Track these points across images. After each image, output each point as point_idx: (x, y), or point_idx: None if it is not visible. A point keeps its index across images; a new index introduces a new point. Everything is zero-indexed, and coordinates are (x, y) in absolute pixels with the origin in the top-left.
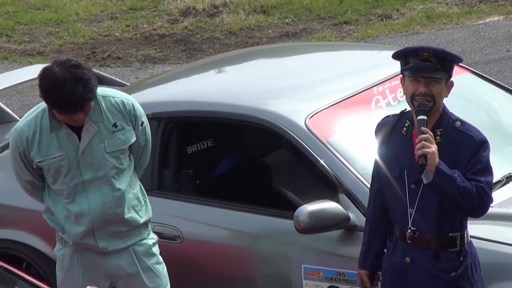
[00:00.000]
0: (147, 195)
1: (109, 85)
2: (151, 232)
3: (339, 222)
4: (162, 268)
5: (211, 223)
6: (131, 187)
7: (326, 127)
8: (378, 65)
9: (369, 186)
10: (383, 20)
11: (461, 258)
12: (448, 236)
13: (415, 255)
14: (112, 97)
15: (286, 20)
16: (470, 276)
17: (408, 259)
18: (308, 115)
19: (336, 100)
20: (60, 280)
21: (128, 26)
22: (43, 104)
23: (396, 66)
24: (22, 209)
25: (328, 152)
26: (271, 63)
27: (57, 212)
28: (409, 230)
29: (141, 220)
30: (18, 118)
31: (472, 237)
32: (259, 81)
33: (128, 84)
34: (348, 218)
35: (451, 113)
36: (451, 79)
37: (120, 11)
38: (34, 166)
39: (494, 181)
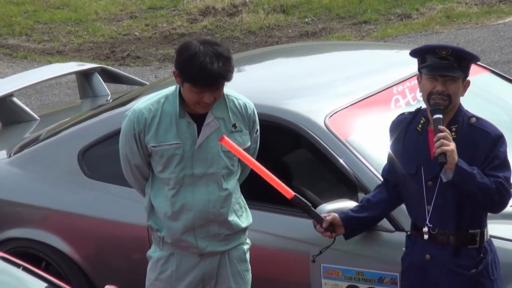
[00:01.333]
0: None
1: (128, 85)
2: (247, 237)
3: None
4: (249, 276)
5: None
6: (235, 192)
7: (345, 126)
8: (397, 64)
9: None
10: (402, 19)
11: (481, 255)
12: (468, 232)
13: (435, 252)
14: (236, 98)
15: (306, 20)
16: (491, 273)
17: (428, 256)
18: (328, 114)
19: (355, 99)
20: (151, 281)
21: (148, 25)
22: (166, 91)
23: (416, 65)
24: (41, 207)
25: (347, 152)
26: (291, 63)
27: (158, 206)
28: (425, 228)
29: (243, 225)
30: (37, 117)
31: (493, 236)
32: (279, 80)
33: (148, 83)
34: None
35: (466, 110)
36: (467, 78)
37: (140, 10)
38: (149, 150)
39: None
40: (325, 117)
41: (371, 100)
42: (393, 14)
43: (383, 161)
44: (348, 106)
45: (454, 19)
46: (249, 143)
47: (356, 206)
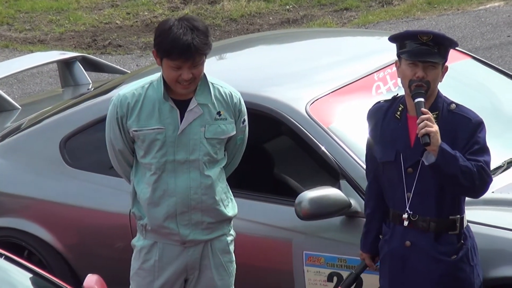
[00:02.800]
0: None
1: (110, 73)
2: (232, 228)
3: (341, 209)
4: (233, 267)
5: None
6: (220, 181)
7: (326, 113)
8: (378, 51)
9: None
10: (383, 6)
11: (462, 241)
12: (448, 218)
13: (415, 239)
14: (222, 86)
15: (287, 7)
16: (470, 259)
17: (408, 243)
18: (309, 101)
19: (336, 86)
20: (134, 270)
21: (129, 13)
22: (151, 77)
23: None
24: (23, 197)
25: (329, 139)
26: (272, 50)
27: (140, 192)
28: (405, 214)
29: (228, 214)
30: (19, 107)
31: (473, 222)
32: (260, 68)
33: (129, 72)
34: (350, 205)
35: (445, 96)
36: (446, 64)
37: None
38: (131, 135)
39: (495, 167)
40: (306, 104)
41: (352, 87)
42: (374, 1)
43: (365, 148)
44: (329, 93)
45: (435, 5)
46: (234, 132)
47: (365, 228)
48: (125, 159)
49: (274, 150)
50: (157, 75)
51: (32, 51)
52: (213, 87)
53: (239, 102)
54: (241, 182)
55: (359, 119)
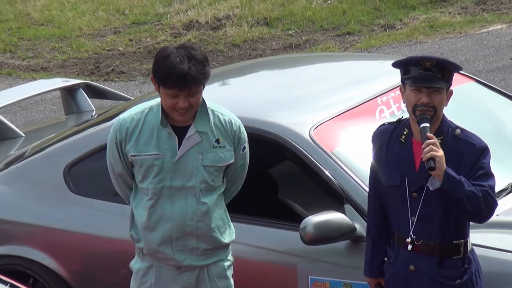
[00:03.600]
0: None
1: (113, 100)
2: (230, 254)
3: (345, 233)
4: None
5: None
6: (217, 208)
7: (330, 138)
8: (381, 75)
9: None
10: (386, 30)
11: (466, 265)
12: (452, 243)
13: (419, 263)
14: (222, 113)
15: (289, 32)
16: (475, 283)
17: (412, 267)
18: (313, 126)
19: (340, 111)
20: None
21: (132, 40)
22: (151, 102)
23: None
24: (27, 224)
25: (332, 163)
26: (275, 75)
27: (137, 216)
28: (409, 238)
29: (225, 241)
30: (23, 134)
31: (478, 245)
32: (263, 93)
33: (132, 98)
34: (354, 229)
35: (450, 121)
36: (450, 88)
37: (123, 25)
38: (129, 159)
39: (499, 190)
40: (310, 129)
41: (356, 111)
42: (376, 25)
43: (369, 172)
44: (333, 118)
45: (438, 29)
46: (232, 160)
47: (371, 253)
48: (125, 182)
49: (278, 175)
50: (157, 100)
51: (35, 79)
52: (213, 114)
53: (238, 130)
54: (245, 207)
55: (363, 143)
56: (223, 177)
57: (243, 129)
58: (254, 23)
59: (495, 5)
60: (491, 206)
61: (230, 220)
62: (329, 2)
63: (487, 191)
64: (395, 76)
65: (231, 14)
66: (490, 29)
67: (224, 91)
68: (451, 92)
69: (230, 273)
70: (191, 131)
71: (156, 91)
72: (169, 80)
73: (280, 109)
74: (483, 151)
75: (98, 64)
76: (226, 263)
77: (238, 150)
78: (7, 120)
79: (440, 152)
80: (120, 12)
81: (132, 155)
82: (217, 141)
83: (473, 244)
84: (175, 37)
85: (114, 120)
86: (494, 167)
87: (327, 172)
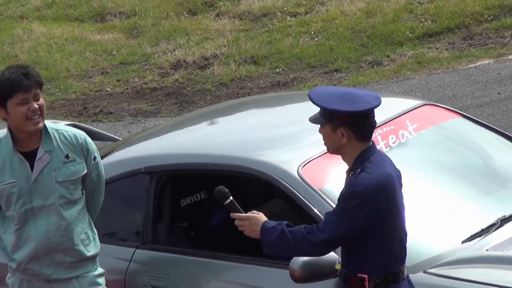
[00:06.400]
0: (142, 248)
1: (101, 140)
2: (99, 266)
3: (334, 271)
4: None
5: (208, 275)
6: (80, 221)
7: (319, 175)
8: None
9: None
10: (373, 66)
11: None
12: (356, 276)
13: None
14: (65, 131)
15: (277, 70)
16: None
17: None
18: (301, 164)
19: None
20: None
21: (119, 80)
22: None
23: (388, 112)
24: None
25: (321, 201)
26: (263, 113)
27: (6, 241)
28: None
29: (88, 254)
30: None
31: (467, 280)
32: (251, 131)
33: (120, 139)
34: None
35: (367, 163)
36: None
37: (111, 66)
38: None
39: (489, 224)
40: (298, 166)
41: None
42: (364, 62)
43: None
44: (321, 155)
45: (425, 65)
46: (85, 171)
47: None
48: None
49: (267, 213)
50: (3, 131)
51: None
52: (57, 132)
53: (85, 142)
54: (233, 246)
55: None
56: (82, 190)
57: (89, 140)
58: (241, 62)
59: (482, 40)
60: (311, 243)
61: (95, 234)
62: (316, 39)
63: (311, 229)
64: (383, 113)
65: (218, 53)
66: (478, 64)
67: (212, 130)
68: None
69: (102, 281)
70: (40, 153)
71: (2, 117)
72: (14, 86)
73: (268, 148)
74: (346, 194)
75: (86, 105)
76: (96, 272)
77: (90, 161)
78: None
79: (242, 223)
80: (107, 53)
81: None
82: (67, 156)
83: (462, 279)
84: (163, 76)
85: None
86: (483, 202)
87: (315, 210)
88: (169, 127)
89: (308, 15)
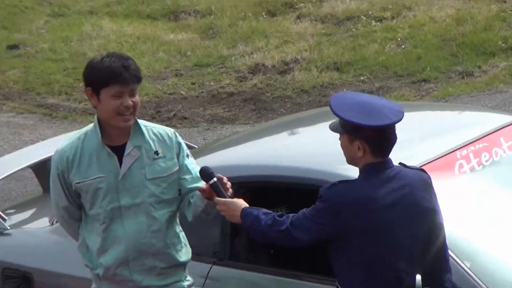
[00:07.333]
0: (219, 265)
1: None
2: (188, 275)
3: None
4: None
5: None
6: (172, 225)
7: None
8: (460, 126)
9: None
10: (464, 77)
11: None
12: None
13: None
14: (154, 127)
15: (361, 78)
16: None
17: None
18: None
19: (416, 164)
20: None
21: (194, 83)
22: (85, 128)
23: (480, 128)
24: (87, 279)
25: None
26: None
27: (91, 244)
28: None
29: (180, 260)
30: None
31: None
32: (334, 144)
33: (196, 147)
34: None
35: (362, 175)
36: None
37: (185, 67)
38: (73, 188)
39: None
40: None
41: (434, 165)
42: (454, 72)
43: (446, 225)
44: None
45: None
46: (176, 168)
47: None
48: (70, 215)
49: None
50: (90, 125)
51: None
52: (146, 128)
53: (174, 136)
54: (316, 264)
55: (441, 199)
56: (179, 191)
57: (178, 136)
58: (323, 68)
59: None
60: (279, 230)
61: (186, 240)
62: (403, 46)
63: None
64: (475, 128)
65: (299, 57)
66: None
67: (294, 141)
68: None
69: None
70: (128, 148)
71: (94, 105)
72: (112, 76)
73: None
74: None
75: (159, 108)
76: (186, 283)
77: (182, 158)
78: None
79: (222, 208)
80: (181, 54)
81: (76, 183)
82: (156, 152)
83: None
84: (240, 81)
85: (54, 153)
86: None
87: None
88: (248, 136)
89: (395, 20)
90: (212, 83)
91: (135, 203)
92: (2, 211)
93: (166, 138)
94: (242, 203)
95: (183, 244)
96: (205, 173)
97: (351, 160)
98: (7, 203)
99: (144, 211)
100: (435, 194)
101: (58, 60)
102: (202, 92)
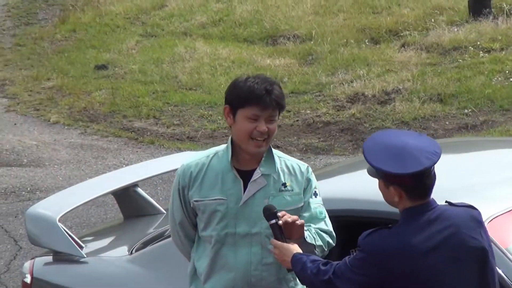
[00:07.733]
0: None
1: None
2: None
3: None
4: None
5: None
6: None
7: (506, 233)
8: None
9: None
10: None
11: None
12: None
13: None
14: (288, 159)
15: (465, 111)
16: None
17: None
18: (487, 219)
19: None
20: None
21: (289, 111)
22: (217, 147)
23: None
24: None
25: (507, 261)
26: (449, 159)
27: (199, 267)
28: None
29: None
30: (164, 211)
31: None
32: (438, 177)
33: None
34: None
35: (403, 221)
36: None
37: None
38: (191, 205)
39: None
40: (485, 221)
41: None
42: None
43: None
44: (509, 211)
45: None
46: (301, 203)
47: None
48: (185, 233)
49: None
50: (223, 146)
51: (180, 149)
52: (279, 159)
53: (306, 171)
54: None
55: None
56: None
57: (311, 172)
58: (426, 99)
59: None
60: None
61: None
62: (511, 79)
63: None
64: None
65: (401, 87)
66: None
67: None
68: None
69: None
70: (256, 175)
71: (229, 123)
72: (251, 97)
73: (453, 198)
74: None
75: None
76: None
77: (308, 194)
78: (147, 194)
79: (275, 251)
80: (278, 80)
81: (195, 200)
82: (284, 184)
83: None
84: (338, 110)
85: (180, 166)
86: None
87: (500, 271)
88: (343, 168)
89: (504, 52)
90: (308, 111)
91: (251, 233)
92: (79, 238)
93: (297, 172)
94: (295, 248)
95: (297, 281)
96: (266, 212)
97: (391, 204)
98: (85, 229)
99: (258, 242)
100: (486, 232)
101: (147, 83)
102: (297, 120)
